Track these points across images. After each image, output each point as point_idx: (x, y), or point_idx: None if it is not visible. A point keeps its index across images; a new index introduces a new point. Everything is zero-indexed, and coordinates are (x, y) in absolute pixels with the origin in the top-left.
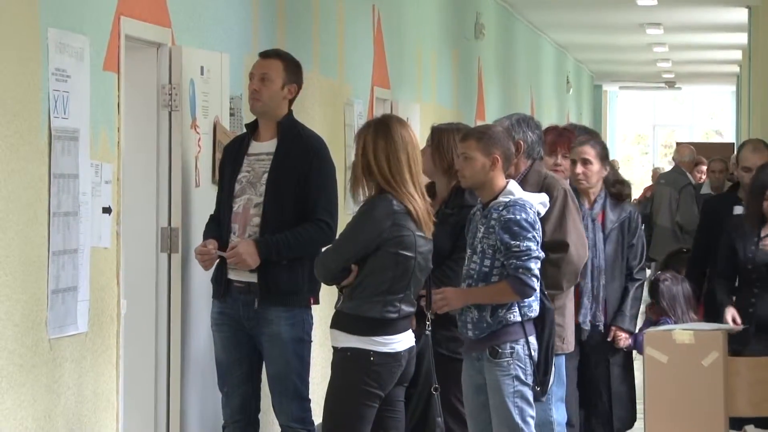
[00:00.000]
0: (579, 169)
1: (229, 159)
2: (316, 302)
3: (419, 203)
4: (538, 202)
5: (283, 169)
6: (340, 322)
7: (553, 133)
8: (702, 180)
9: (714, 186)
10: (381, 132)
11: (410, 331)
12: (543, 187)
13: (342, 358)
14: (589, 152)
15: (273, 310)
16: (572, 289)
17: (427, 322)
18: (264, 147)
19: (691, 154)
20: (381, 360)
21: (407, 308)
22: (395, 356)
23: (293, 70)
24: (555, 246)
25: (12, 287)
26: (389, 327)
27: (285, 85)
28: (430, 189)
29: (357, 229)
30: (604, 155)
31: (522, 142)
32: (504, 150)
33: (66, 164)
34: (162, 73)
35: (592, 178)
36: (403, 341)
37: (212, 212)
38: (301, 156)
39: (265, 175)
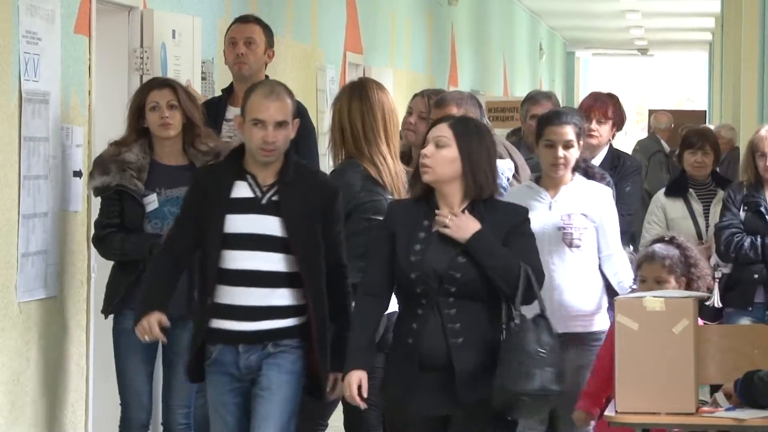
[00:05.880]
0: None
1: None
2: None
3: (388, 168)
4: (506, 168)
5: None
6: None
7: (590, 99)
8: None
9: None
10: (356, 94)
11: None
12: None
13: None
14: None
15: None
16: None
17: None
18: None
19: (668, 121)
20: None
21: None
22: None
23: (271, 36)
24: None
25: None
26: None
27: (266, 49)
28: (405, 155)
29: None
30: None
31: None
32: None
33: (36, 127)
34: (133, 36)
35: None
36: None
37: None
38: None
39: None
